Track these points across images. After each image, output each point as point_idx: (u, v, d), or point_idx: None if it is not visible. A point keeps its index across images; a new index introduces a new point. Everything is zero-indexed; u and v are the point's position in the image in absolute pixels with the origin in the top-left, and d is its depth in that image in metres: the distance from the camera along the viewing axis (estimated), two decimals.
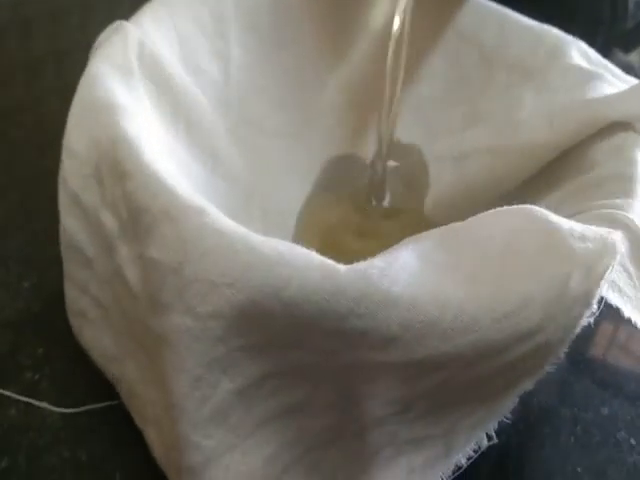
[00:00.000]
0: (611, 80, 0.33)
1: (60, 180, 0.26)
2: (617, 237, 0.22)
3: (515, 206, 0.23)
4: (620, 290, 0.22)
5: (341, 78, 0.38)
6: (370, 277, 0.20)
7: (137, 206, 0.22)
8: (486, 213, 0.23)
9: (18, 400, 0.28)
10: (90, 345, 0.27)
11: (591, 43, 0.36)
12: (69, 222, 0.26)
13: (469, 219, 0.23)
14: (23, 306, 0.32)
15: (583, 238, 0.22)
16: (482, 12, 0.38)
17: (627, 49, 0.54)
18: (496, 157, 0.34)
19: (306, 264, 0.20)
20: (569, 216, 0.26)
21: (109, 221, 0.24)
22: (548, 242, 0.22)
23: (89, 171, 0.25)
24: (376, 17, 0.38)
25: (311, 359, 0.21)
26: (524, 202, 0.30)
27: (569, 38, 0.36)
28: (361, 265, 0.20)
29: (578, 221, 0.25)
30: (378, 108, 0.36)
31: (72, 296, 0.27)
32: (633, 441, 0.31)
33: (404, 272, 0.20)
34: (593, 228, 0.22)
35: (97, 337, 0.27)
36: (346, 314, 0.20)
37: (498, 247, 0.22)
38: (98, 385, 0.28)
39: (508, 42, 0.37)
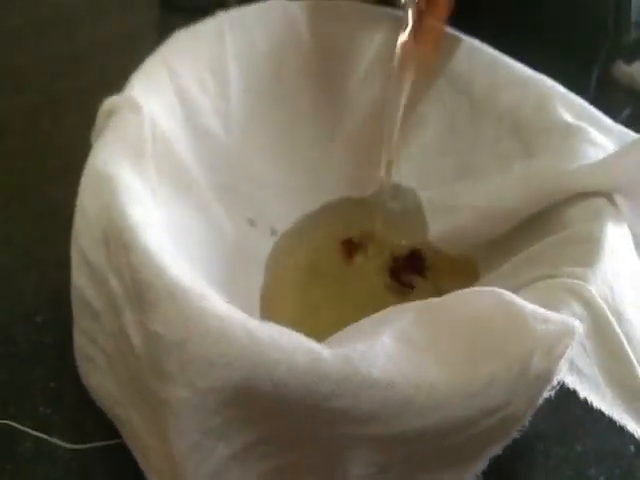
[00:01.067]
0: (592, 136, 0.35)
1: (73, 236, 0.28)
2: (576, 322, 0.24)
3: (485, 288, 0.25)
4: (578, 370, 0.24)
5: (339, 131, 0.40)
6: (351, 360, 0.22)
7: (141, 279, 0.24)
8: (460, 292, 0.25)
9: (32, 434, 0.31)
10: (96, 387, 0.30)
11: (595, 55, 0.37)
12: (79, 278, 0.28)
13: (445, 297, 0.25)
14: (36, 339, 0.35)
15: (545, 320, 0.24)
16: (475, 58, 0.40)
17: (630, 60, 0.56)
18: (481, 216, 0.37)
19: (295, 348, 0.22)
20: (536, 279, 0.28)
21: (115, 284, 0.26)
22: (512, 324, 0.24)
23: (98, 234, 0.27)
24: (371, 69, 0.39)
25: (298, 430, 0.23)
26: (507, 250, 0.33)
27: (556, 90, 0.37)
28: (344, 349, 0.23)
29: (542, 289, 0.27)
30: (376, 155, 0.37)
31: (81, 343, 0.30)
32: (603, 479, 0.33)
33: (383, 354, 0.23)
34: (553, 314, 0.24)
35: (103, 382, 0.29)
36: (329, 394, 0.22)
37: (468, 327, 0.24)
38: (107, 421, 0.30)
39: (498, 93, 0.39)
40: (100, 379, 0.29)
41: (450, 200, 0.39)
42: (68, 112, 0.49)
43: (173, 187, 0.32)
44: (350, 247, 0.41)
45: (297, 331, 0.24)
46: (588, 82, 0.52)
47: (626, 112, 0.54)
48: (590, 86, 0.53)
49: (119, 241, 0.26)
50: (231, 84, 0.37)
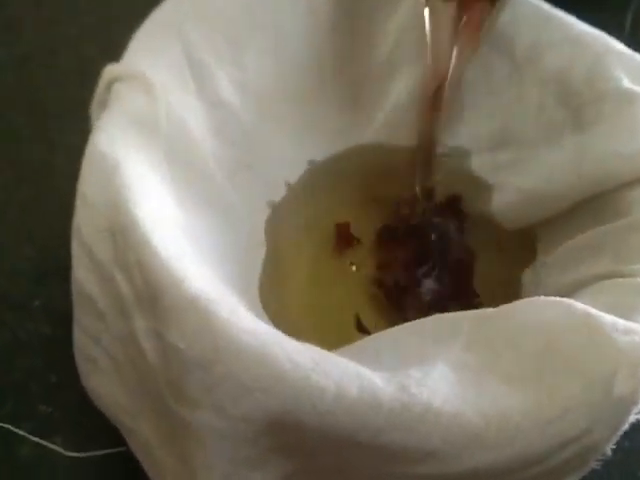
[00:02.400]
0: None
1: (74, 227, 0.25)
2: None
3: (551, 298, 0.22)
4: None
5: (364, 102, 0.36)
6: (408, 388, 0.19)
7: (155, 284, 0.21)
8: (519, 303, 0.22)
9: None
10: (99, 392, 0.26)
11: None
12: (81, 273, 0.24)
13: (501, 308, 0.22)
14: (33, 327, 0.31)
15: (627, 332, 0.21)
16: (518, 12, 0.35)
17: None
18: (527, 198, 0.34)
19: (342, 374, 0.19)
20: (600, 276, 0.25)
21: (123, 285, 0.23)
22: (590, 337, 0.21)
23: (104, 225, 0.24)
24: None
25: (343, 465, 0.20)
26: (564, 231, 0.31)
27: (613, 49, 0.33)
28: (398, 377, 0.19)
29: (611, 291, 0.23)
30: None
31: (82, 342, 0.26)
32: None
33: (443, 381, 0.20)
34: (635, 324, 0.21)
35: (107, 386, 0.26)
36: (385, 427, 0.19)
37: (536, 343, 0.21)
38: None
39: (543, 53, 0.34)
40: (103, 383, 0.26)
41: (493, 176, 0.35)
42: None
43: (186, 173, 0.27)
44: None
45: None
46: (623, 23, 0.50)
47: None
48: (625, 25, 0.50)
49: (127, 239, 0.22)
50: (247, 50, 0.32)
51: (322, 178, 0.37)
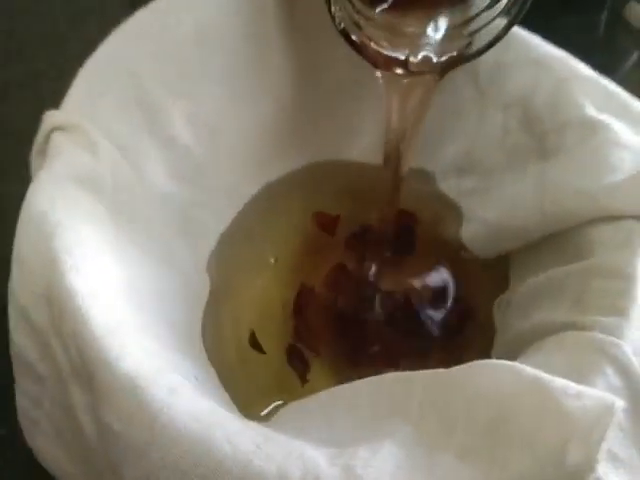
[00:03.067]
0: (618, 135, 0.30)
1: (9, 289, 0.24)
2: (615, 400, 0.20)
3: (503, 362, 0.22)
4: (613, 455, 0.21)
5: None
6: (354, 469, 0.19)
7: (89, 359, 0.21)
8: (472, 366, 0.22)
9: None
10: (43, 453, 0.25)
11: None
12: (18, 337, 0.24)
13: (454, 370, 0.22)
14: None
15: (578, 396, 0.21)
16: None
17: None
18: (489, 230, 0.34)
19: (285, 457, 0.19)
20: (560, 325, 0.25)
21: (59, 353, 0.22)
22: (540, 405, 0.21)
23: (40, 290, 0.23)
24: None
25: None
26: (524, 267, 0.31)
27: (577, 72, 0.32)
28: (343, 457, 0.19)
29: (569, 346, 0.24)
30: None
31: (23, 404, 0.25)
32: None
33: (390, 462, 0.19)
34: (587, 389, 0.21)
35: (51, 449, 0.25)
36: None
37: (488, 412, 0.21)
38: None
39: (505, 75, 0.33)
40: (47, 445, 0.25)
41: (460, 203, 0.35)
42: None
43: (130, 226, 0.27)
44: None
45: None
46: (597, 24, 0.50)
47: (635, 55, 0.49)
48: (599, 29, 0.50)
49: (63, 308, 0.22)
50: (200, 82, 0.32)
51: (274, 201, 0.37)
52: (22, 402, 0.25)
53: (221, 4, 0.32)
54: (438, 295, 0.35)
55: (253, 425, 0.20)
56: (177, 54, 0.30)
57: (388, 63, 0.28)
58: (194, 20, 0.31)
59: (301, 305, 0.34)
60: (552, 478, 0.20)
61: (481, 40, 0.28)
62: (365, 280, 0.36)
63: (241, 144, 0.34)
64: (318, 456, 0.20)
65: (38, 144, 0.26)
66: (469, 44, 0.28)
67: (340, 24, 0.27)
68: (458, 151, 0.36)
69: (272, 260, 0.35)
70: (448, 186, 0.37)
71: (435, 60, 0.28)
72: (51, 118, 0.26)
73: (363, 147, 0.38)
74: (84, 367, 0.21)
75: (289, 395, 0.29)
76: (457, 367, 0.22)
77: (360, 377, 0.25)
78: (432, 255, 0.36)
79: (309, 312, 0.34)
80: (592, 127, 0.30)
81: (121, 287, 0.24)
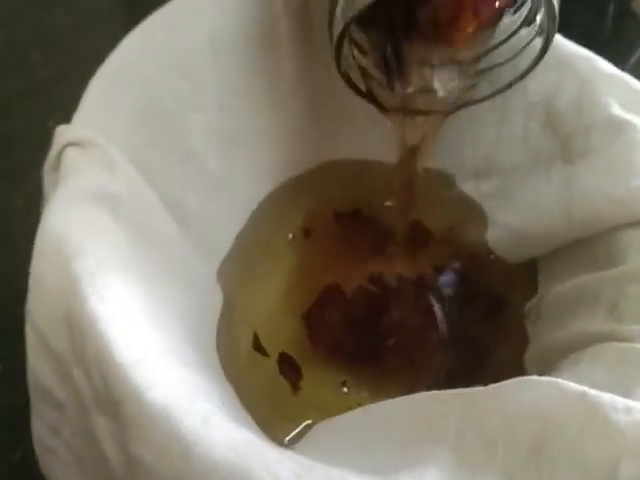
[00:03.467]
0: None
1: (27, 313, 0.23)
2: None
3: (544, 378, 0.21)
4: None
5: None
6: None
7: (116, 389, 0.20)
8: (509, 383, 0.21)
9: None
10: None
11: None
12: (36, 362, 0.23)
13: (491, 389, 0.22)
14: None
15: (628, 410, 0.20)
16: None
17: None
18: (514, 235, 0.33)
19: None
20: (596, 335, 0.24)
21: (81, 381, 0.22)
22: (588, 421, 0.20)
23: (60, 314, 0.22)
24: None
25: None
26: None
27: (600, 71, 0.31)
28: None
29: (608, 358, 0.23)
30: None
31: (40, 432, 0.24)
32: None
33: None
34: (635, 403, 0.20)
35: (69, 478, 0.24)
36: None
37: (531, 429, 0.20)
38: None
39: (527, 77, 0.32)
40: (65, 474, 0.24)
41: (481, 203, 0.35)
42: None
43: (147, 246, 0.26)
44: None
45: None
46: (605, 16, 0.50)
47: None
48: (607, 20, 0.49)
49: (85, 335, 0.21)
50: (212, 89, 0.31)
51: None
52: (38, 429, 0.25)
53: (233, 12, 0.31)
54: (456, 288, 0.35)
55: (290, 454, 0.20)
56: (191, 65, 0.30)
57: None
58: (208, 29, 0.30)
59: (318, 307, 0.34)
60: None
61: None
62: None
63: (257, 154, 0.34)
64: None
65: (51, 160, 0.26)
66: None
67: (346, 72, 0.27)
68: (477, 155, 0.35)
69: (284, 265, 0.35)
70: (469, 189, 0.36)
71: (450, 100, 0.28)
72: (64, 133, 0.26)
73: (376, 146, 0.37)
74: (109, 396, 0.20)
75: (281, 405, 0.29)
76: (495, 385, 0.22)
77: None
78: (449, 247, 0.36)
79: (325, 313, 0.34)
80: (618, 127, 0.30)
81: (143, 310, 0.23)
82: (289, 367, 0.32)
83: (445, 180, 0.37)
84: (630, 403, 0.20)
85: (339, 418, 0.25)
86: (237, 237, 0.34)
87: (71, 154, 0.25)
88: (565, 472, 0.19)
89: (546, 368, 0.27)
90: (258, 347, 0.32)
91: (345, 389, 0.31)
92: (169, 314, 0.25)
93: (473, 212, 0.36)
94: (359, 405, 0.28)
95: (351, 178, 0.38)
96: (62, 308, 0.22)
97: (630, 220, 0.27)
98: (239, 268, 0.34)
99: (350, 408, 0.27)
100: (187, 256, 0.29)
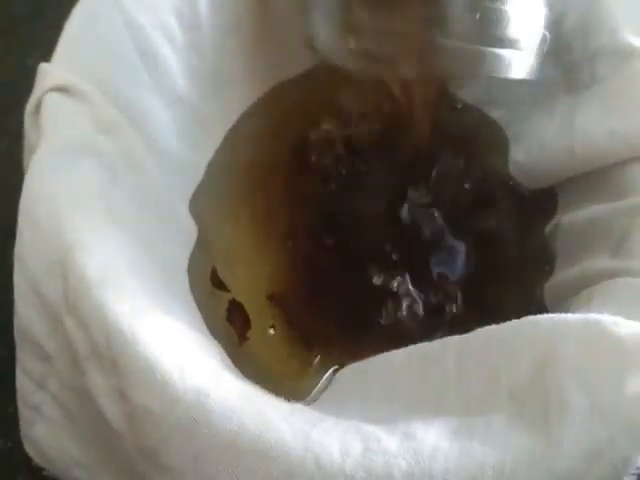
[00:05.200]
0: None
1: (16, 254, 0.23)
2: None
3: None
4: None
5: None
6: (414, 434, 0.19)
7: (117, 338, 0.20)
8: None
9: None
10: (42, 443, 0.24)
11: None
12: (24, 310, 0.23)
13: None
14: None
15: (630, 326, 0.20)
16: None
17: None
18: (518, 167, 0.33)
19: (343, 433, 0.19)
20: (610, 270, 0.25)
21: (75, 333, 0.21)
22: (591, 336, 0.20)
23: (56, 256, 0.22)
24: None
25: None
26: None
27: None
28: (399, 427, 0.20)
29: (616, 298, 0.24)
30: None
31: (25, 387, 0.24)
32: None
33: (445, 425, 0.20)
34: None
35: (55, 437, 0.24)
36: None
37: (533, 351, 0.21)
38: None
39: None
40: (50, 433, 0.24)
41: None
42: None
43: (138, 195, 0.26)
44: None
45: None
46: None
47: None
48: None
49: (79, 286, 0.21)
50: (203, 27, 0.31)
51: None
52: (23, 384, 0.25)
53: None
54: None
55: (299, 406, 0.21)
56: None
57: None
58: None
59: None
60: (611, 410, 0.19)
61: None
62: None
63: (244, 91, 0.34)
64: (375, 429, 0.20)
65: (33, 102, 0.25)
66: None
67: None
68: (476, 89, 0.35)
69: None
70: None
71: None
72: (46, 75, 0.25)
73: None
74: (109, 348, 0.20)
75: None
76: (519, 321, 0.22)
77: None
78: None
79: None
80: (625, 55, 0.30)
81: (134, 261, 0.23)
82: (237, 314, 0.31)
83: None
84: (632, 322, 0.21)
85: (341, 372, 0.26)
86: (208, 165, 0.33)
87: (53, 100, 0.25)
88: (572, 392, 0.20)
89: (561, 303, 0.27)
90: (218, 283, 0.31)
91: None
92: (160, 266, 0.25)
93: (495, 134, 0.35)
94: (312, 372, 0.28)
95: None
96: (55, 252, 0.22)
97: (633, 156, 0.28)
98: (210, 199, 0.33)
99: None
100: (175, 204, 0.29)
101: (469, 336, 0.23)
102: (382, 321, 0.30)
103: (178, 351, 0.20)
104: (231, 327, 0.30)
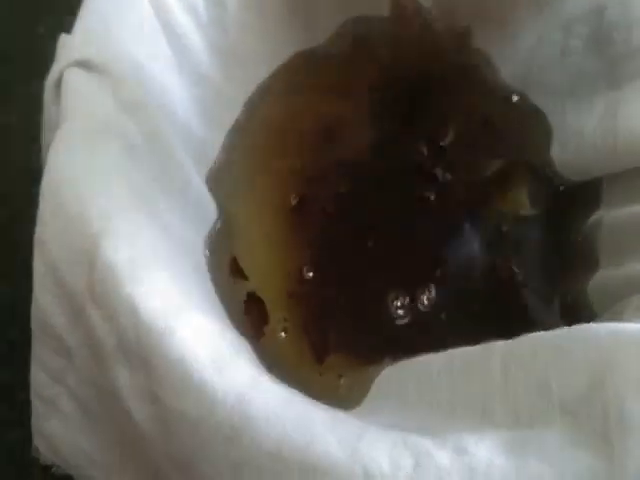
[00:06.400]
0: None
1: (36, 239, 0.22)
2: None
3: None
4: None
5: None
6: (465, 449, 0.18)
7: (149, 335, 0.19)
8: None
9: None
10: (55, 439, 0.23)
11: None
12: (44, 298, 0.22)
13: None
14: None
15: None
16: None
17: None
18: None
19: (392, 447, 0.18)
20: None
21: (100, 325, 0.20)
22: None
23: (82, 244, 0.21)
24: None
25: None
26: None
27: None
28: (450, 440, 0.19)
29: None
30: None
31: (40, 380, 0.23)
32: None
33: (497, 439, 0.19)
34: None
35: (70, 433, 0.23)
36: None
37: (588, 361, 0.20)
38: None
39: None
40: (64, 429, 0.23)
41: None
42: None
43: (163, 183, 0.25)
44: None
45: None
46: None
47: None
48: None
49: (108, 275, 0.20)
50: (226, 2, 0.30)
51: None
52: (38, 377, 0.23)
53: None
54: None
55: (341, 414, 0.20)
56: None
57: None
58: None
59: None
60: None
61: None
62: None
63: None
64: (424, 442, 0.19)
65: (54, 76, 0.24)
66: None
67: None
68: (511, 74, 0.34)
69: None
70: None
71: None
72: (68, 49, 0.24)
73: None
74: (139, 344, 0.19)
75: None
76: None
77: None
78: None
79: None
80: None
81: (163, 251, 0.22)
82: (255, 309, 0.30)
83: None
84: None
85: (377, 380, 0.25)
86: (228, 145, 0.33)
87: (75, 76, 0.24)
88: (634, 407, 0.18)
89: (609, 307, 0.27)
90: (238, 272, 0.30)
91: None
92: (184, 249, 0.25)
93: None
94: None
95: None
96: (82, 241, 0.21)
97: None
98: (231, 181, 0.32)
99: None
100: (190, 175, 0.28)
101: (515, 342, 0.22)
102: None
103: (215, 351, 0.19)
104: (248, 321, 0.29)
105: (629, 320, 0.23)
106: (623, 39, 0.30)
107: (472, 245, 0.32)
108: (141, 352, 0.19)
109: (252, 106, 0.33)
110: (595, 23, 0.31)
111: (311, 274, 0.30)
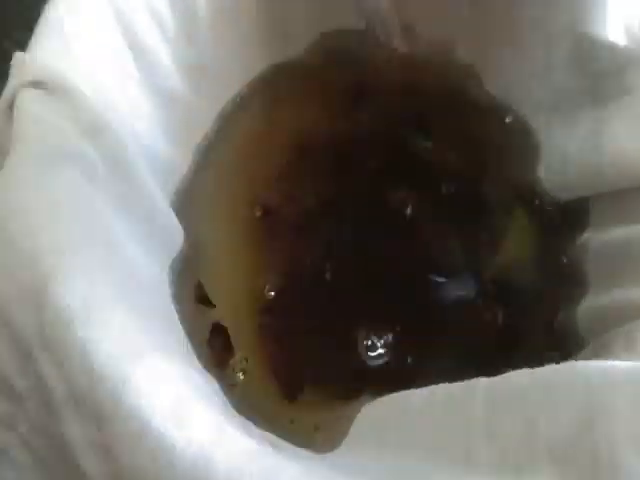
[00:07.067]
0: None
1: None
2: None
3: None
4: None
5: None
6: None
7: (100, 384, 0.18)
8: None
9: None
10: None
11: None
12: None
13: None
14: None
15: None
16: None
17: None
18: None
19: None
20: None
21: (50, 373, 0.19)
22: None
23: (31, 282, 0.19)
24: None
25: None
26: None
27: None
28: None
29: None
30: None
31: None
32: None
33: None
34: None
35: None
36: None
37: (576, 402, 0.19)
38: None
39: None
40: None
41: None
42: None
43: (128, 213, 0.24)
44: None
45: None
46: None
47: None
48: None
49: (57, 320, 0.19)
50: (198, 13, 0.29)
51: None
52: None
53: None
54: None
55: (314, 464, 0.19)
56: None
57: None
58: None
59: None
60: None
61: None
62: None
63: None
64: None
65: (7, 96, 0.23)
66: None
67: None
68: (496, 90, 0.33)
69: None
70: None
71: None
72: (23, 68, 0.23)
73: None
74: (92, 393, 0.18)
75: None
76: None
77: None
78: None
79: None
80: None
81: (121, 286, 0.21)
82: (220, 340, 0.29)
83: None
84: None
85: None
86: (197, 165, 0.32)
87: (30, 97, 0.22)
88: (625, 452, 0.17)
89: (599, 334, 0.26)
90: (202, 299, 0.29)
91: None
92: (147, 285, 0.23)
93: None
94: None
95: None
96: (32, 280, 0.19)
97: None
98: (199, 202, 0.31)
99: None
100: (155, 200, 0.27)
101: (500, 379, 0.21)
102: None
103: (176, 399, 0.18)
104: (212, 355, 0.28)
105: (618, 356, 0.23)
106: (606, 56, 0.29)
107: (454, 267, 0.31)
108: (93, 402, 0.18)
109: (223, 122, 0.33)
110: (577, 39, 0.30)
111: (277, 299, 0.29)
